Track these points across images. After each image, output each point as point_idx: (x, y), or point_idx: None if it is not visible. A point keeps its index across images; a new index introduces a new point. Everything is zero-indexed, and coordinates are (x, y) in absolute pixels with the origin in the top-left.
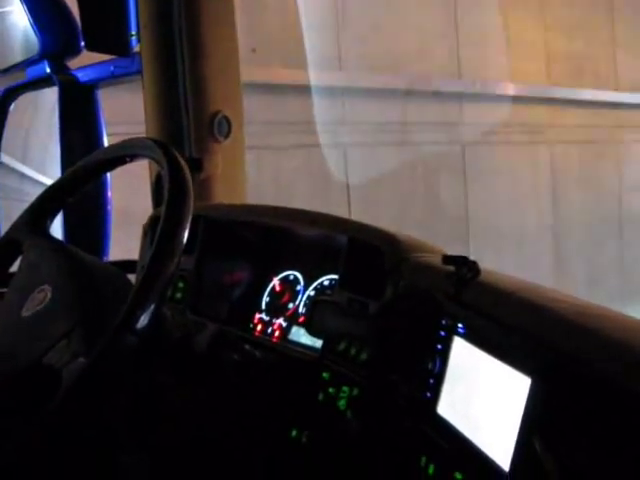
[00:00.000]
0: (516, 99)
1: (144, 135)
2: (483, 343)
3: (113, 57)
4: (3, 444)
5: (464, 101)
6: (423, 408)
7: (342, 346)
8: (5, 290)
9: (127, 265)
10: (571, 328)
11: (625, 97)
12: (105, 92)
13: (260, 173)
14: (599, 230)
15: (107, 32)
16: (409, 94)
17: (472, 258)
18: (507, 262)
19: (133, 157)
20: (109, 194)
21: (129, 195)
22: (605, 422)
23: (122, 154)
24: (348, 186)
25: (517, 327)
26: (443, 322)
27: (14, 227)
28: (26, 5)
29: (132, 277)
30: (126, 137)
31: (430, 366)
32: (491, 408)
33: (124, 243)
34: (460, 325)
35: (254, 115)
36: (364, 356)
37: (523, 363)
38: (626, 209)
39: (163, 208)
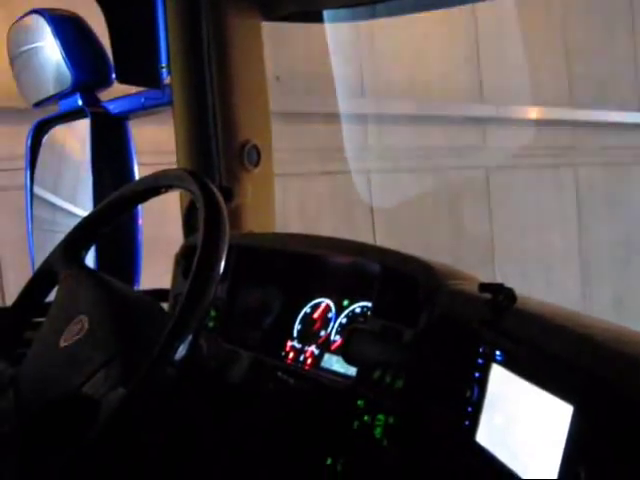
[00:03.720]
0: (539, 122)
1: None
2: (522, 370)
3: (144, 89)
4: (44, 473)
5: (487, 125)
6: (461, 436)
7: (377, 374)
8: (42, 320)
9: (159, 294)
10: (613, 354)
11: None
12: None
13: (285, 199)
14: (626, 252)
15: (138, 64)
16: (432, 120)
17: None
18: (534, 286)
19: (168, 188)
20: (140, 223)
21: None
22: None
23: (157, 185)
24: (372, 211)
25: (557, 354)
26: (480, 350)
27: (50, 258)
28: (59, 39)
29: (164, 305)
30: (154, 167)
31: (468, 394)
32: (532, 436)
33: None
34: (498, 352)
35: (277, 143)
36: (400, 384)
37: (565, 391)
38: None
39: (199, 238)
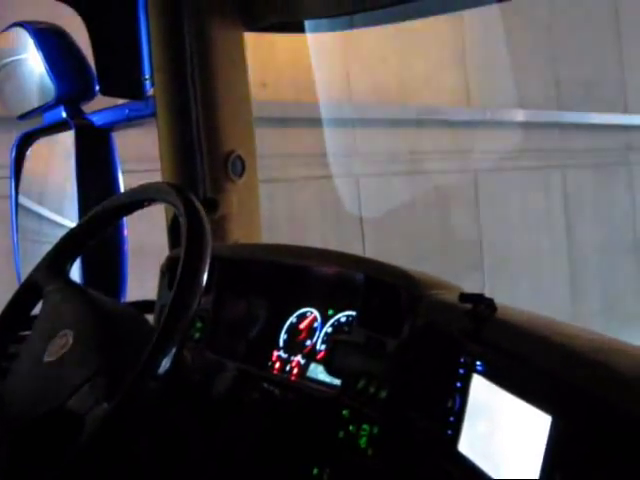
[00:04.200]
0: (526, 125)
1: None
2: (502, 381)
3: (128, 100)
4: None
5: (475, 129)
6: (444, 446)
7: (361, 384)
8: (28, 333)
9: (145, 305)
10: (591, 365)
11: (635, 119)
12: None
13: (273, 206)
14: (614, 253)
15: (121, 76)
16: (419, 124)
17: (487, 286)
18: (522, 289)
19: (151, 201)
20: (125, 234)
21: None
22: (627, 461)
23: (140, 198)
24: (361, 216)
25: (536, 364)
26: (462, 360)
27: (35, 272)
28: (42, 52)
29: (150, 317)
30: (141, 174)
31: (450, 404)
32: (512, 446)
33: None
34: (479, 363)
35: (265, 149)
36: (383, 394)
37: (543, 401)
38: None
39: (182, 252)
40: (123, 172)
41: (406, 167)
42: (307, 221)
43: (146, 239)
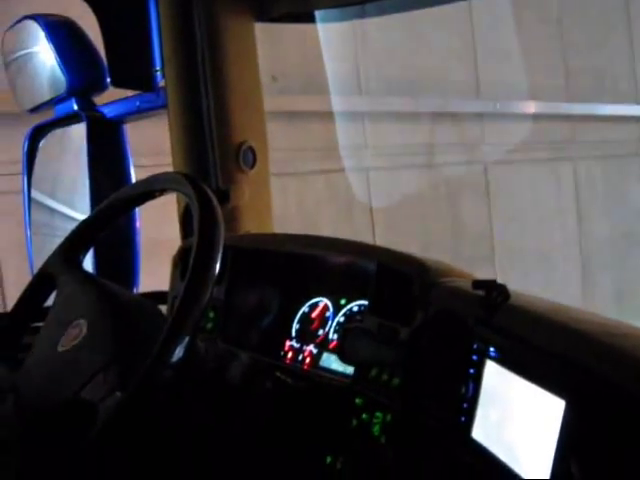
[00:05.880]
0: (537, 117)
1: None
2: (515, 366)
3: (139, 92)
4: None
5: (485, 121)
6: (458, 433)
7: (374, 372)
8: (41, 324)
9: (158, 296)
10: (604, 350)
11: None
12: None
13: (284, 199)
14: (626, 245)
15: (132, 68)
16: (430, 116)
17: (498, 278)
18: (534, 280)
19: (162, 191)
20: (138, 225)
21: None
22: None
23: (151, 188)
24: (371, 209)
25: (549, 350)
26: (475, 346)
27: (48, 262)
28: (53, 44)
29: (162, 307)
30: (154, 169)
31: (463, 390)
32: (526, 431)
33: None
34: (492, 349)
35: (276, 142)
36: (396, 382)
37: (557, 386)
38: None
39: (194, 241)
40: (134, 167)
41: (416, 160)
42: (318, 215)
43: (159, 231)
